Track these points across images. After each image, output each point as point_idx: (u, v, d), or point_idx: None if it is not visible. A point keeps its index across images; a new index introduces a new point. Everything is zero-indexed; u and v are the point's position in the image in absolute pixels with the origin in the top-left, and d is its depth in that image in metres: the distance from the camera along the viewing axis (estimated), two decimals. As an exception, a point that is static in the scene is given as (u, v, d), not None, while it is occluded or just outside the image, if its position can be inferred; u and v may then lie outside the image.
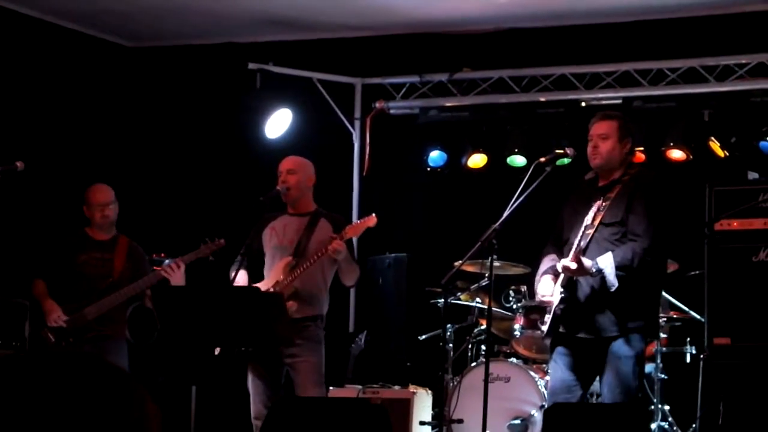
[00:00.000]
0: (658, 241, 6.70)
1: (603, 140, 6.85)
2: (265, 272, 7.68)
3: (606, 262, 6.58)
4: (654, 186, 6.87)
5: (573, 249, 6.62)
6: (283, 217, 7.79)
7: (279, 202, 7.77)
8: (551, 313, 6.78)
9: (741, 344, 7.77)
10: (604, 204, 6.71)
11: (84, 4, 9.86)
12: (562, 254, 6.83)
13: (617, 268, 6.58)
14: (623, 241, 6.70)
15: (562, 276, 6.73)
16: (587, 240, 6.69)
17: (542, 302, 6.89)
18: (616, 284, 6.58)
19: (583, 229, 6.66)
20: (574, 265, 6.57)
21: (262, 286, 7.46)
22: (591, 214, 6.68)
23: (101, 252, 8.17)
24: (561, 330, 6.82)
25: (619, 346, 6.68)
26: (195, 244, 8.06)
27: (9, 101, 9.70)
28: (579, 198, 6.96)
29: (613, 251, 6.62)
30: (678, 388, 8.72)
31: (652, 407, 8.50)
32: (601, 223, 6.71)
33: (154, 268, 8.15)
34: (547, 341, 7.03)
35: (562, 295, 6.72)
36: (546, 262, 6.96)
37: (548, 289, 6.82)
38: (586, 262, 6.58)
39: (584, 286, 6.74)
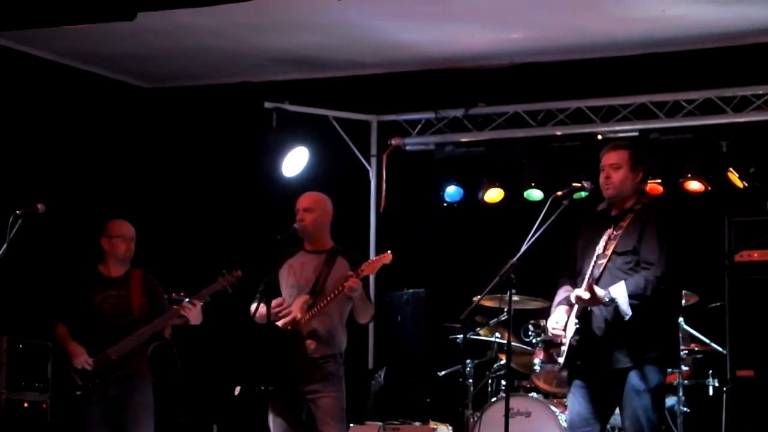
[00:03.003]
0: (671, 269, 6.65)
1: (615, 170, 6.83)
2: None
3: (619, 291, 6.54)
4: (666, 214, 6.83)
5: (586, 279, 6.59)
6: (300, 255, 7.77)
7: (296, 238, 7.76)
8: (566, 345, 6.75)
9: (764, 376, 7.73)
10: (615, 233, 6.69)
11: (101, 47, 9.92)
12: (576, 285, 6.80)
13: (631, 296, 6.54)
14: (636, 270, 6.66)
15: (576, 307, 6.70)
16: (600, 269, 6.67)
17: (554, 335, 6.85)
18: (630, 313, 6.53)
19: (595, 258, 6.64)
20: (587, 295, 6.55)
21: (279, 324, 7.44)
22: (602, 243, 6.67)
23: (117, 289, 8.14)
24: (577, 362, 6.79)
25: (635, 380, 6.62)
26: (213, 281, 8.05)
27: (30, 144, 9.75)
28: (592, 228, 6.93)
29: (626, 280, 6.59)
30: (701, 421, 8.66)
31: (675, 440, 8.46)
32: (613, 252, 6.68)
33: (173, 307, 8.14)
34: (564, 373, 6.99)
35: (577, 326, 6.69)
36: (560, 294, 6.94)
37: (559, 321, 6.79)
38: (599, 291, 6.54)
39: (598, 317, 6.70)
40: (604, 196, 6.91)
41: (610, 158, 6.88)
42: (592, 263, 6.63)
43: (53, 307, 8.25)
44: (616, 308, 6.57)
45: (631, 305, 6.53)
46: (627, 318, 6.54)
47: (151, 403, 8.10)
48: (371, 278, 9.86)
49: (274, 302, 7.32)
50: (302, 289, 7.61)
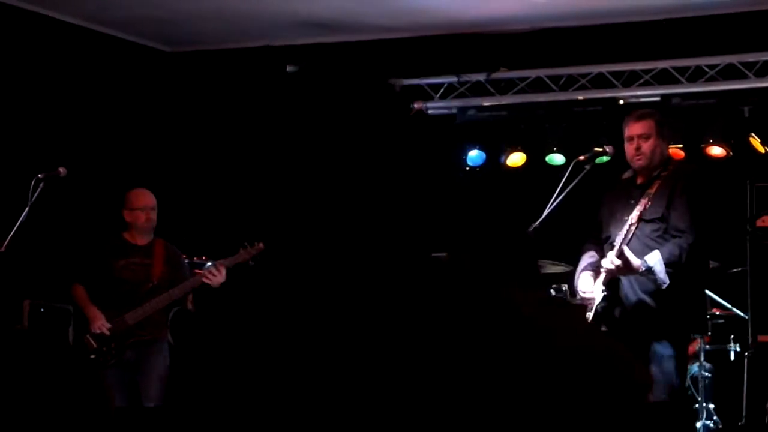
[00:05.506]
0: (702, 236, 6.63)
1: (644, 140, 6.75)
2: None
3: (655, 260, 6.50)
4: (695, 180, 6.79)
5: (616, 247, 6.57)
6: None
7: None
8: (592, 311, 6.74)
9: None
10: (642, 200, 6.64)
11: (123, 11, 9.91)
12: (602, 251, 6.79)
13: (666, 265, 6.51)
14: (665, 237, 6.63)
15: (603, 274, 6.68)
16: (629, 238, 6.64)
17: (584, 299, 6.84)
18: (668, 282, 6.50)
19: (627, 227, 6.61)
20: (618, 262, 6.53)
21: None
22: (636, 212, 6.61)
23: (140, 257, 8.17)
24: (603, 328, 6.77)
25: (661, 345, 6.62)
26: (234, 247, 8.08)
27: (52, 107, 9.76)
28: (617, 195, 6.90)
29: (659, 248, 6.55)
30: (723, 386, 8.66)
31: (697, 406, 8.45)
32: (641, 219, 6.65)
33: (195, 271, 8.17)
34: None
35: (604, 293, 6.68)
36: (585, 259, 6.92)
37: (588, 285, 6.77)
38: (634, 261, 6.50)
39: (626, 284, 6.69)
40: (634, 167, 6.83)
41: (636, 128, 6.78)
42: (623, 231, 6.60)
43: (72, 268, 8.28)
44: (644, 276, 6.54)
45: (667, 273, 6.50)
46: (665, 287, 6.50)
47: (167, 369, 8.12)
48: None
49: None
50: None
